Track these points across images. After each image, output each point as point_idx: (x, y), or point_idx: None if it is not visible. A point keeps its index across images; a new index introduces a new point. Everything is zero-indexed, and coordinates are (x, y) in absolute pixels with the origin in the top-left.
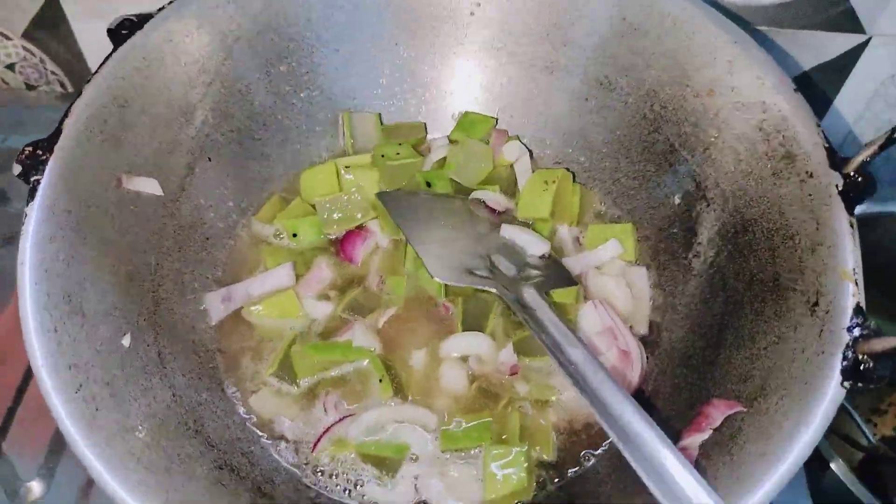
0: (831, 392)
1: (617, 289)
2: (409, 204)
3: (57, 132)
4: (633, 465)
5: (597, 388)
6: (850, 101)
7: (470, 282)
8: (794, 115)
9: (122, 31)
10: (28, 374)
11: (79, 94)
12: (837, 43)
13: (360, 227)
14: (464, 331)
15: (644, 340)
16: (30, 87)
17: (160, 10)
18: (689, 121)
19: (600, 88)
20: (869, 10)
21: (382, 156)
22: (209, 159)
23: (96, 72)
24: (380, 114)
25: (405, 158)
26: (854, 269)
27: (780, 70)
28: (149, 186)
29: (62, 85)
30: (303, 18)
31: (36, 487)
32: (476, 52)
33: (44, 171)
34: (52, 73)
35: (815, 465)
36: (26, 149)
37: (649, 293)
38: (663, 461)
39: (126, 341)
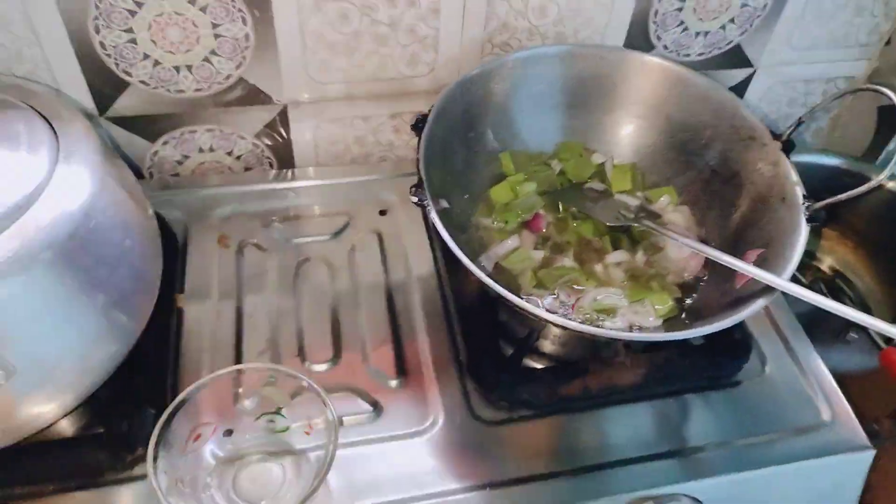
0: (803, 227)
1: (676, 218)
2: (559, 196)
3: (420, 179)
4: (731, 265)
5: (699, 247)
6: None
7: (622, 222)
8: (751, 119)
9: (419, 124)
10: None
11: (417, 159)
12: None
13: (536, 214)
14: (613, 251)
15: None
16: (247, 169)
17: (430, 109)
18: (701, 135)
19: (647, 125)
20: (754, 53)
21: (534, 171)
22: (455, 188)
23: (418, 147)
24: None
25: (543, 171)
26: (797, 179)
27: (740, 101)
28: (444, 203)
29: (270, 164)
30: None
31: None
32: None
33: (426, 196)
34: (266, 157)
35: None
36: (412, 188)
37: (693, 219)
38: (742, 266)
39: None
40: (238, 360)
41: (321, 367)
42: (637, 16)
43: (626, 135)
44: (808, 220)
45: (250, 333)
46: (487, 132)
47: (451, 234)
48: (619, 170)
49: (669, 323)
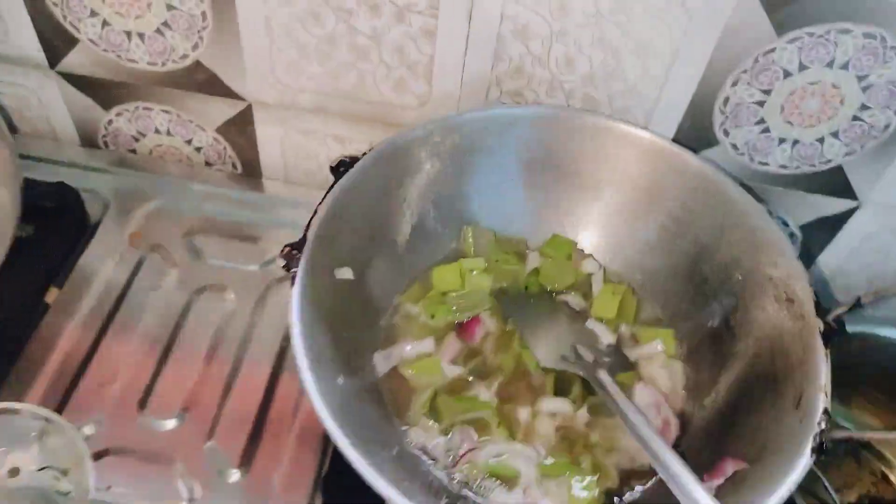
0: (805, 459)
1: (661, 375)
2: (516, 301)
3: (303, 239)
4: (675, 492)
5: (648, 440)
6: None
7: (564, 367)
8: (796, 276)
9: (340, 168)
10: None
11: (315, 213)
12: (830, 205)
13: (474, 318)
14: (553, 395)
15: (679, 414)
16: (208, 164)
17: (364, 154)
18: (728, 275)
19: (667, 239)
20: (861, 183)
21: (497, 260)
22: (380, 259)
23: (324, 198)
24: (494, 231)
25: (511, 264)
26: (825, 384)
27: (790, 245)
28: (346, 273)
29: (234, 166)
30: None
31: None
32: (578, 195)
33: (298, 264)
34: (230, 156)
35: None
36: (286, 248)
37: (683, 381)
38: (694, 493)
39: (340, 381)
40: (76, 381)
41: (159, 424)
42: (700, 98)
43: (634, 244)
44: (815, 451)
45: (104, 356)
46: (429, 206)
47: (350, 312)
48: (609, 289)
49: None
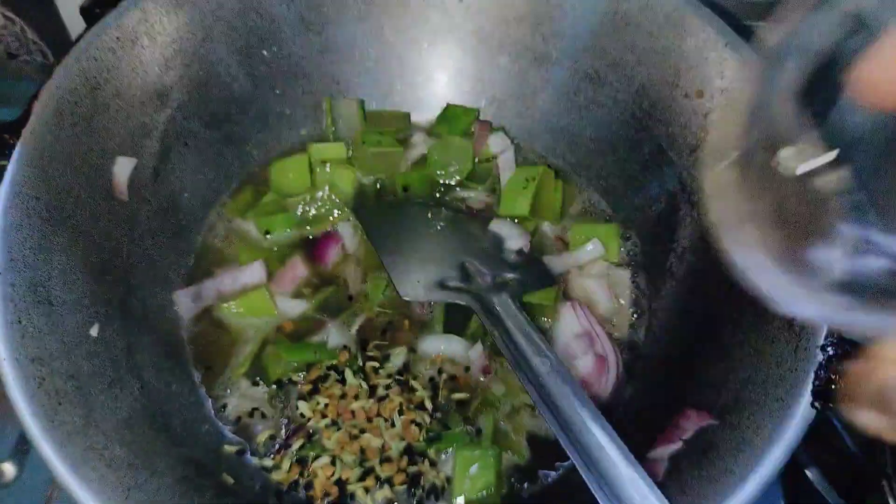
0: (802, 412)
1: (598, 290)
2: (383, 216)
3: (25, 115)
4: (590, 484)
5: (559, 401)
6: None
7: (440, 297)
8: None
9: (95, 10)
10: None
11: (49, 75)
12: None
13: (328, 233)
14: (444, 333)
15: (623, 345)
16: (11, 56)
17: None
18: (677, 121)
19: (590, 83)
20: None
21: (364, 142)
22: (186, 144)
23: (68, 53)
24: (363, 100)
25: (386, 147)
26: None
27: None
28: (125, 166)
29: (44, 55)
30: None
31: (9, 470)
32: (465, 39)
33: (10, 156)
34: (34, 42)
35: (790, 470)
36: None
37: (631, 296)
38: (623, 479)
39: (94, 331)
40: None
41: None
42: None
43: (559, 108)
44: (818, 393)
45: None
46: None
47: (133, 226)
48: (522, 174)
49: None
